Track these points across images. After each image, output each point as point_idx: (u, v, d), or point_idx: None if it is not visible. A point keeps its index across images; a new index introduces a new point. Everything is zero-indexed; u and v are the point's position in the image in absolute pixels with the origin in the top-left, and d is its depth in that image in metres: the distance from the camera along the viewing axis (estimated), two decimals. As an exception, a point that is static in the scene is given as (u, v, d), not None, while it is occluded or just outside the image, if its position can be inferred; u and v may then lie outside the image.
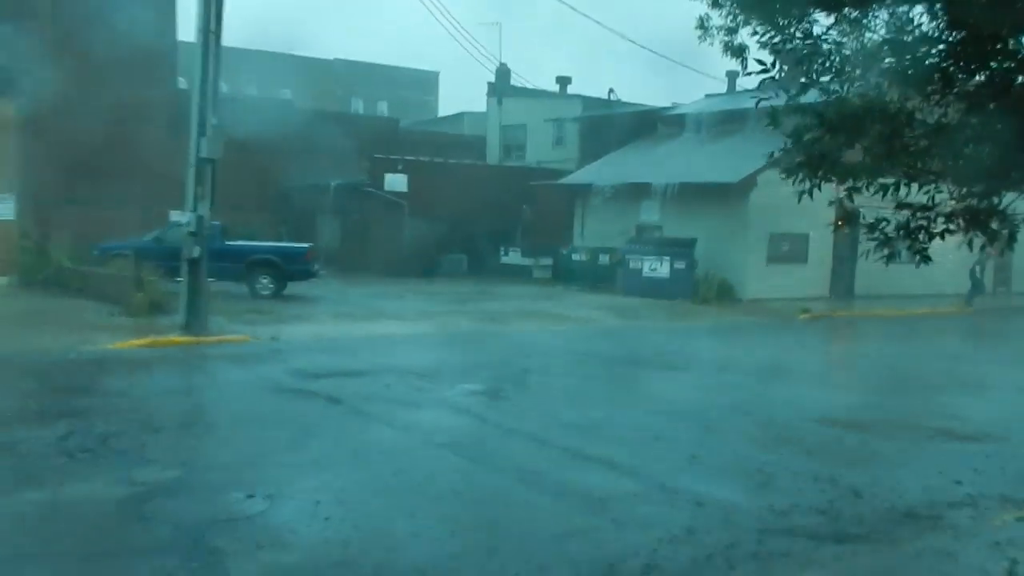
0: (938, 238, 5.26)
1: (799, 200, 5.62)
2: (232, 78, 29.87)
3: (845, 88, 5.53)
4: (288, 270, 20.04)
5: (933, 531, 6.23)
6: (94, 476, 6.86)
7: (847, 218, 6.14)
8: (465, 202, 27.73)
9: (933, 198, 5.31)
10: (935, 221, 5.20)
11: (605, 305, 21.22)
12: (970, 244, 5.22)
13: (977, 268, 24.67)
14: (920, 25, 5.15)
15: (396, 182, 27.82)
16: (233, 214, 20.74)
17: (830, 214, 6.47)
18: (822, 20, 5.58)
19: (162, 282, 16.32)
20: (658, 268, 23.38)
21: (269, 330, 14.80)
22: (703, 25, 6.23)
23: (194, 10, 14.03)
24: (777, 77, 5.56)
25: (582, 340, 16.65)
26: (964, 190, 5.24)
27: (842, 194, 5.64)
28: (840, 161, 5.42)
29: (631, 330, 18.20)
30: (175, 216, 18.03)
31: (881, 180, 5.29)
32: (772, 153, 5.89)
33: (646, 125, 30.61)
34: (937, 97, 5.21)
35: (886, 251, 5.27)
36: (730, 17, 5.96)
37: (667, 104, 32.18)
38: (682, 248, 23.36)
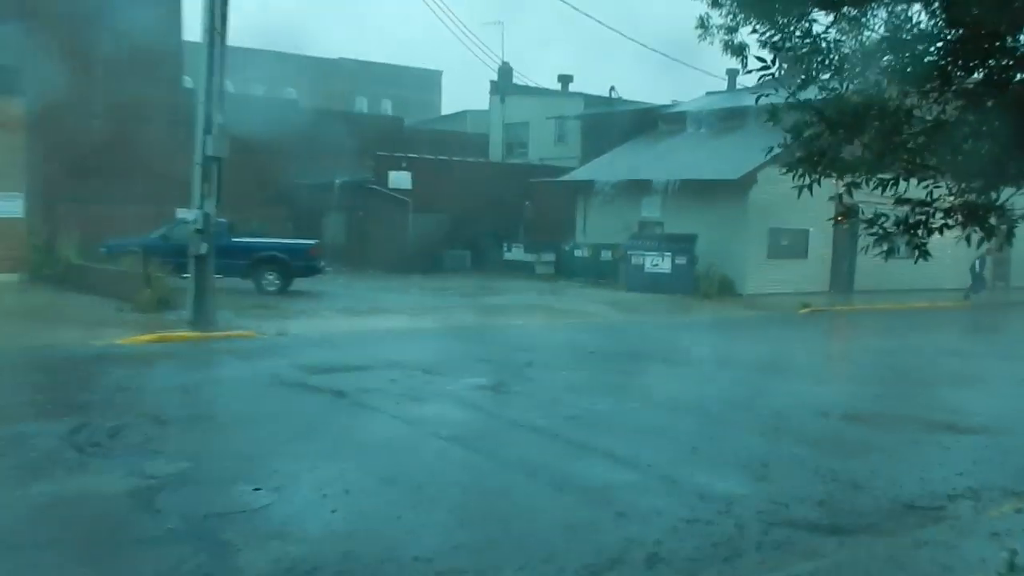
0: (936, 233, 5.26)
1: (799, 195, 5.63)
2: (237, 77, 29.87)
3: (844, 86, 5.52)
4: (294, 266, 20.06)
5: (933, 522, 6.24)
6: (104, 469, 6.88)
7: (847, 213, 6.14)
8: (468, 199, 27.76)
9: (931, 193, 5.31)
10: (934, 216, 5.20)
11: (607, 300, 21.23)
12: (968, 239, 5.21)
13: (977, 263, 24.65)
14: (919, 23, 5.15)
15: (400, 179, 27.84)
16: (239, 211, 20.75)
17: (830, 210, 6.47)
18: (821, 19, 5.57)
19: (169, 278, 16.36)
20: (660, 264, 23.37)
21: (275, 325, 14.83)
22: (703, 24, 6.23)
23: (199, 10, 14.07)
24: (777, 75, 5.56)
25: (584, 335, 16.66)
26: (962, 186, 5.24)
27: (841, 189, 5.64)
28: (840, 157, 5.42)
29: (633, 325, 18.21)
30: (182, 213, 18.04)
31: (880, 175, 5.29)
32: (771, 148, 5.89)
33: (647, 122, 30.58)
34: (935, 94, 5.21)
35: (885, 246, 5.27)
36: (730, 16, 5.97)
37: (668, 102, 32.16)
38: (683, 244, 23.35)
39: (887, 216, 5.25)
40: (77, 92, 21.53)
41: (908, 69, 5.05)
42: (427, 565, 5.23)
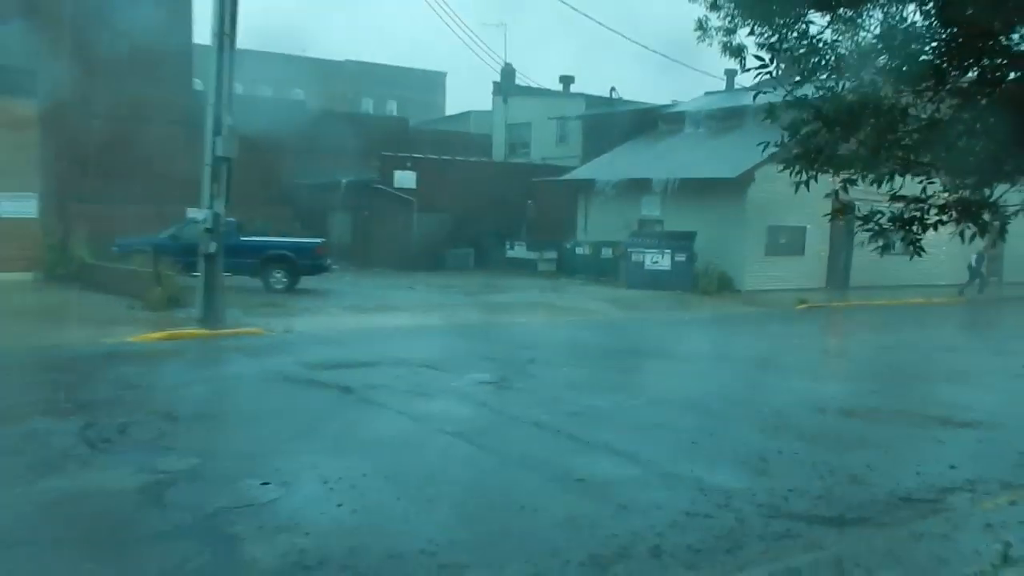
0: (931, 229, 5.24)
1: (796, 191, 5.61)
2: (246, 79, 29.90)
3: (840, 85, 5.50)
4: (301, 265, 20.07)
5: (930, 515, 6.21)
6: (114, 465, 6.88)
7: (843, 210, 6.12)
8: (472, 198, 27.75)
9: (925, 189, 5.28)
10: (928, 212, 5.18)
11: (608, 297, 21.21)
12: (962, 235, 5.19)
13: (974, 258, 24.59)
14: (913, 24, 5.12)
15: (405, 179, 27.84)
16: (248, 210, 20.76)
17: (826, 207, 6.44)
18: (818, 20, 5.55)
19: (179, 277, 16.36)
20: (659, 261, 23.35)
21: (283, 323, 14.83)
22: (702, 26, 6.22)
23: (209, 13, 14.05)
24: (775, 74, 5.54)
25: (586, 331, 16.65)
26: (956, 182, 5.22)
27: (838, 186, 5.62)
28: (836, 154, 5.41)
29: (634, 321, 18.19)
30: (192, 213, 18.06)
31: (875, 172, 5.27)
32: (767, 144, 5.88)
33: (647, 122, 30.56)
34: (930, 93, 5.18)
35: (881, 242, 5.25)
36: (728, 18, 5.95)
37: (667, 102, 32.10)
38: (682, 241, 23.33)
39: (882, 213, 5.23)
40: (88, 93, 21.54)
41: (903, 68, 5.03)
42: (433, 558, 5.22)
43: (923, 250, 5.25)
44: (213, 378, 11.43)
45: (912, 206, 5.19)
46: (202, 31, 27.59)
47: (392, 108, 50.50)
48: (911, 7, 5.19)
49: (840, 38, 5.51)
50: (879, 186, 5.28)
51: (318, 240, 21.45)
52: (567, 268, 26.70)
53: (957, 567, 5.07)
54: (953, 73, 5.06)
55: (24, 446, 7.42)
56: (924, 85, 5.16)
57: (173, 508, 6.00)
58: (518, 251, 28.70)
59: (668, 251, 23.31)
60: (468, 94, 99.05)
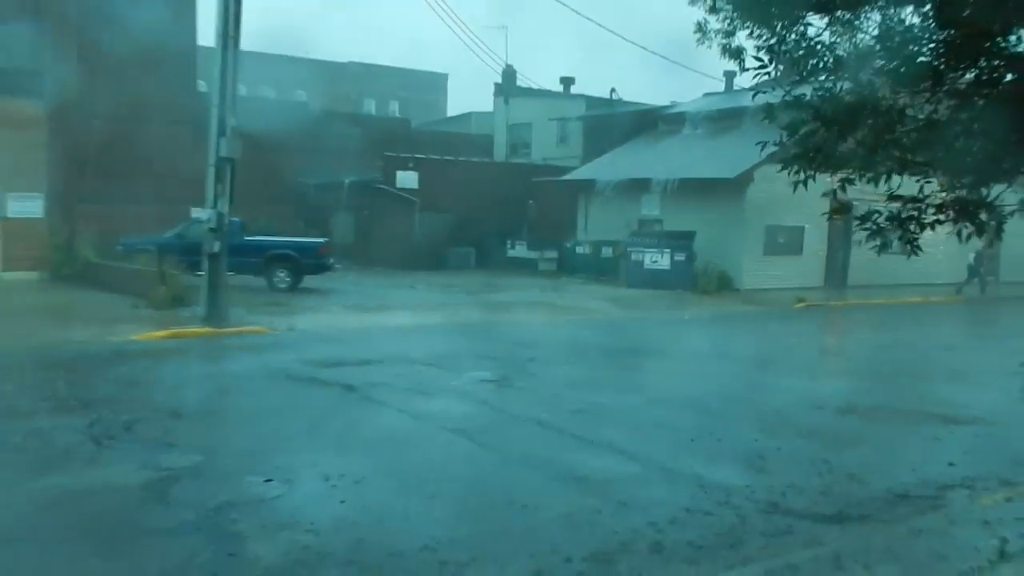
0: (928, 229, 5.23)
1: (794, 190, 5.60)
2: (250, 81, 29.87)
3: (839, 86, 5.49)
4: (304, 264, 20.06)
5: (928, 511, 6.21)
6: (119, 462, 6.88)
7: (840, 209, 6.11)
8: (473, 198, 27.74)
9: (922, 189, 5.28)
10: (925, 212, 5.17)
11: (608, 296, 21.20)
12: (959, 235, 5.18)
13: (972, 257, 24.57)
14: (911, 25, 5.11)
15: (407, 179, 27.83)
16: (251, 210, 20.74)
17: (824, 206, 6.44)
18: (816, 22, 5.54)
19: (184, 276, 16.36)
20: (659, 260, 23.34)
21: (286, 321, 14.83)
22: (701, 29, 6.21)
23: (213, 15, 14.04)
24: (773, 74, 5.53)
25: (586, 330, 16.64)
26: (953, 182, 5.21)
27: (836, 186, 5.61)
28: (834, 153, 5.40)
29: (633, 320, 18.18)
30: (196, 213, 18.04)
31: (872, 171, 5.26)
32: (765, 144, 5.86)
33: (647, 123, 30.54)
34: (928, 94, 5.17)
35: (878, 241, 5.24)
36: (727, 21, 5.93)
37: (667, 103, 32.08)
38: (682, 241, 23.32)
39: (880, 212, 5.23)
40: (94, 94, 21.53)
41: (901, 70, 5.02)
42: (434, 555, 5.21)
43: (920, 249, 5.24)
44: (217, 376, 11.43)
45: (909, 205, 5.18)
46: (206, 33, 27.63)
47: (394, 109, 50.43)
48: (909, 9, 5.17)
49: (838, 40, 5.49)
50: (876, 185, 5.27)
51: (321, 240, 21.45)
52: (567, 267, 26.69)
53: (954, 563, 5.06)
54: (950, 74, 5.05)
55: (30, 443, 7.42)
56: (922, 86, 5.15)
57: (177, 505, 6.00)
58: (519, 251, 28.69)
59: (668, 250, 23.31)
60: (470, 95, 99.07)
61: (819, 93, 5.45)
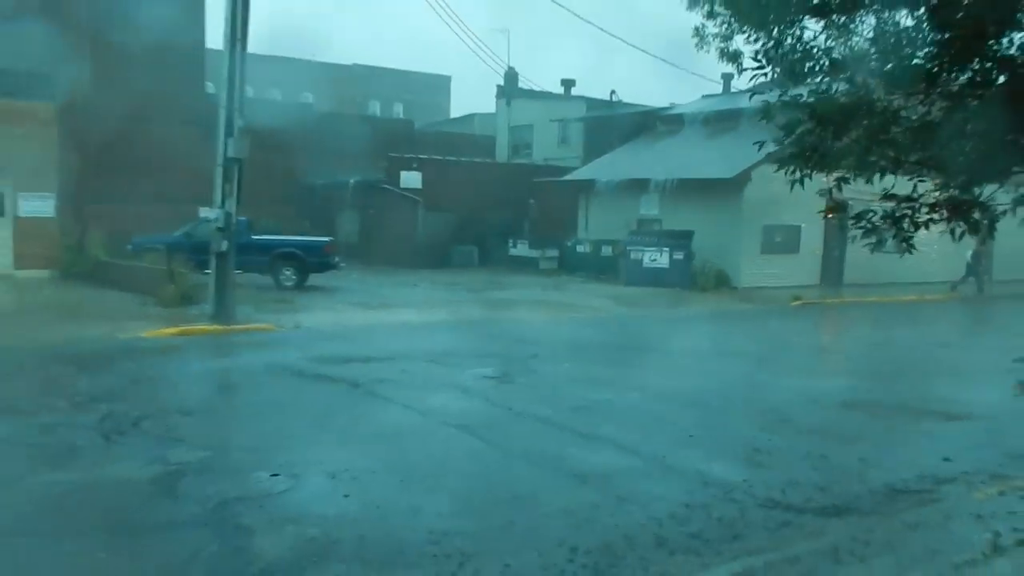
0: (922, 227, 5.22)
1: (791, 189, 5.60)
2: (257, 83, 29.88)
3: (834, 87, 5.48)
4: (310, 262, 20.08)
5: (923, 506, 6.20)
6: (128, 457, 6.89)
7: (836, 208, 6.10)
8: (476, 198, 27.74)
9: (916, 187, 5.27)
10: (919, 211, 5.17)
11: (608, 294, 21.19)
12: (952, 233, 5.17)
13: (970, 255, 24.54)
14: (905, 29, 5.10)
15: (411, 179, 27.84)
16: (258, 209, 20.76)
17: (820, 206, 6.42)
18: (812, 25, 5.53)
19: (192, 274, 16.36)
20: (658, 259, 23.34)
21: (292, 319, 14.84)
22: (699, 34, 6.21)
23: (222, 18, 14.06)
24: (770, 76, 5.53)
25: (587, 327, 16.64)
26: (947, 181, 5.20)
27: (831, 184, 5.60)
28: (830, 153, 5.39)
29: (633, 318, 18.17)
30: (204, 212, 18.06)
31: (867, 171, 5.27)
32: (762, 143, 5.86)
33: (646, 124, 30.54)
34: (921, 96, 5.16)
35: (873, 239, 5.23)
36: (725, 26, 5.93)
37: (666, 104, 32.06)
38: (680, 240, 23.32)
39: (874, 211, 5.22)
40: (105, 95, 21.53)
41: (895, 71, 5.01)
42: (439, 547, 5.20)
43: (914, 247, 5.23)
44: (224, 372, 11.44)
45: (903, 205, 5.17)
46: (214, 35, 27.61)
47: (399, 111, 50.47)
48: (903, 12, 5.16)
49: (834, 43, 5.49)
50: (871, 183, 5.27)
51: (326, 239, 21.47)
52: (568, 266, 26.69)
53: (949, 556, 5.06)
54: (944, 76, 5.04)
55: (40, 438, 7.43)
56: (916, 88, 5.14)
57: (184, 499, 6.00)
58: (521, 249, 28.68)
59: (667, 249, 23.31)
60: (473, 97, 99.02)
61: (815, 94, 5.45)
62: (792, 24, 5.42)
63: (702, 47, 6.24)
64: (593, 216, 28.00)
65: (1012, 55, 4.80)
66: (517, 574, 4.87)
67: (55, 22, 20.81)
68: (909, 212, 5.17)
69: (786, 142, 5.61)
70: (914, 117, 5.32)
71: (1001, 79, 4.89)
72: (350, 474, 6.51)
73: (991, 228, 5.12)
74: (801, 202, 7.37)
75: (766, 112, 5.51)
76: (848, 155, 5.37)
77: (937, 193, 5.26)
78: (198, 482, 6.33)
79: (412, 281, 22.87)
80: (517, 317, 17.16)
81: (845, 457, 7.47)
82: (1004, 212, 5.10)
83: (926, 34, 4.99)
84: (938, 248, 11.79)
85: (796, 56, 5.40)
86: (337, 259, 20.88)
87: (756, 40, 5.51)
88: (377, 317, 16.04)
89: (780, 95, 5.54)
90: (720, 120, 26.96)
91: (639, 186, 25.21)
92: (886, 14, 5.21)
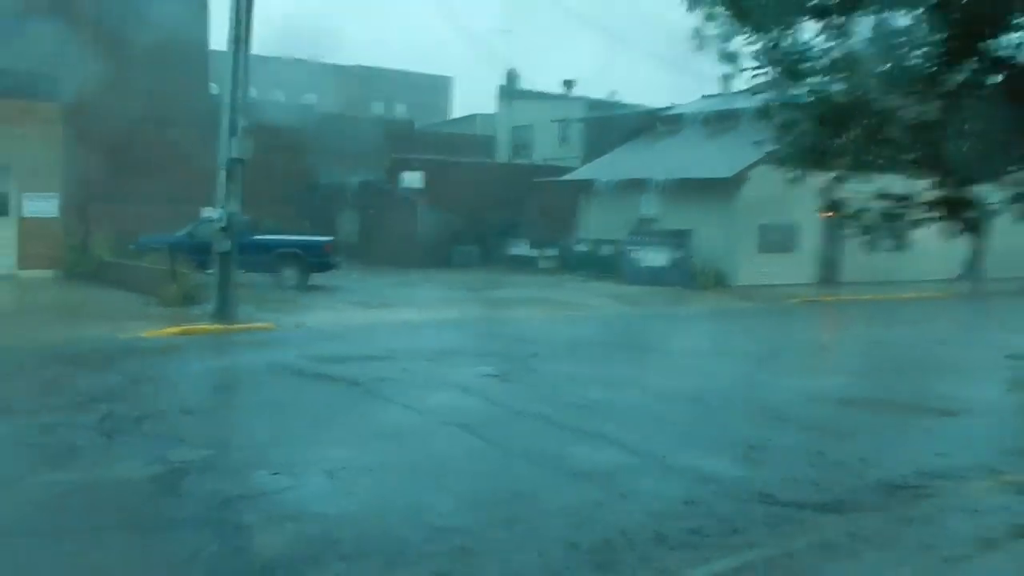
0: (917, 226, 5.23)
1: (789, 185, 5.60)
2: (260, 84, 29.88)
3: (832, 88, 5.48)
4: (311, 262, 20.06)
5: (918, 500, 6.20)
6: (130, 456, 6.88)
7: (833, 206, 6.11)
8: (476, 197, 27.72)
9: (911, 187, 5.28)
10: (914, 209, 5.17)
11: (608, 293, 21.18)
12: (947, 231, 5.18)
13: (968, 253, 24.53)
14: (902, 29, 5.09)
15: (412, 179, 27.82)
16: (260, 209, 20.74)
17: (818, 205, 6.43)
18: (810, 27, 5.53)
19: (194, 274, 16.35)
20: (657, 258, 23.35)
21: (293, 318, 14.83)
22: (699, 35, 6.21)
23: (226, 19, 14.06)
24: (769, 76, 5.54)
25: (586, 326, 16.63)
26: (942, 180, 5.20)
27: (828, 183, 5.61)
28: (827, 152, 5.40)
29: (632, 316, 18.16)
30: (207, 212, 18.05)
31: (863, 170, 5.27)
32: (761, 141, 5.87)
33: (646, 124, 30.54)
34: (918, 96, 5.16)
35: (868, 237, 5.24)
36: (724, 28, 5.93)
37: (666, 105, 32.05)
38: (679, 239, 23.34)
39: (870, 210, 5.22)
40: (110, 95, 21.53)
41: (892, 72, 5.01)
42: (440, 545, 5.19)
43: (908, 245, 5.24)
44: (226, 371, 11.44)
45: (898, 203, 5.17)
46: (218, 37, 27.60)
47: (401, 111, 50.51)
48: (900, 14, 5.16)
49: (832, 44, 5.48)
50: (866, 181, 5.28)
51: (327, 238, 21.45)
52: (568, 265, 26.68)
53: (941, 550, 5.06)
54: (940, 76, 5.04)
55: (42, 438, 7.42)
56: (912, 88, 5.13)
57: (186, 498, 6.00)
58: (521, 249, 28.66)
59: (665, 248, 23.33)
60: (474, 98, 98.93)
61: (813, 94, 5.45)
62: (790, 25, 5.42)
63: (701, 48, 6.24)
64: (593, 216, 28.00)
65: (1006, 56, 4.80)
66: (518, 571, 4.87)
67: (60, 22, 20.81)
68: (904, 211, 5.17)
69: (784, 141, 5.61)
70: (910, 117, 5.32)
71: (996, 79, 4.89)
72: (350, 473, 6.50)
73: (984, 226, 5.12)
74: (798, 201, 7.38)
75: (765, 112, 5.52)
76: (845, 154, 5.38)
77: (932, 192, 5.26)
78: (199, 481, 6.32)
79: (412, 281, 22.86)
80: (517, 316, 17.15)
81: (842, 454, 7.46)
82: (997, 211, 5.10)
83: (923, 35, 4.99)
84: (935, 246, 11.80)
85: (794, 57, 5.40)
86: (338, 259, 20.87)
87: (755, 41, 5.51)
88: (378, 316, 16.03)
89: (778, 95, 5.55)
90: (719, 120, 26.94)
91: (638, 186, 25.20)
92: (884, 15, 5.21)
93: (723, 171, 22.98)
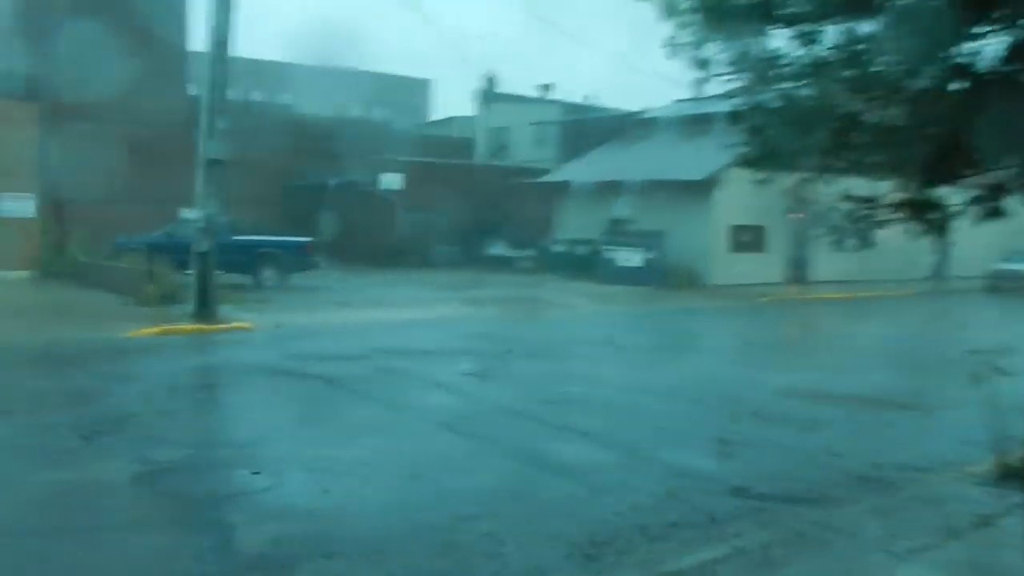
0: (882, 227, 5.34)
1: (759, 187, 5.69)
2: (238, 84, 29.62)
3: (799, 93, 5.57)
4: (291, 262, 19.99)
5: (885, 491, 6.31)
6: (109, 456, 6.81)
7: (800, 207, 6.21)
8: (455, 199, 27.69)
9: (875, 189, 5.39)
10: (878, 211, 5.28)
11: (584, 292, 21.28)
12: (910, 232, 5.29)
13: (936, 254, 24.99)
14: (866, 38, 5.20)
15: (391, 180, 27.77)
16: (239, 210, 20.59)
17: (786, 206, 6.54)
18: (781, 34, 5.62)
19: (173, 274, 16.21)
20: (632, 258, 23.51)
21: (273, 318, 14.75)
22: (671, 43, 6.28)
23: (205, 22, 13.98)
24: (739, 83, 5.62)
25: (563, 324, 16.71)
26: (905, 182, 5.32)
27: (795, 185, 5.70)
28: (793, 154, 5.49)
29: (607, 315, 18.27)
30: (185, 213, 17.91)
31: (829, 172, 5.38)
32: (732, 145, 5.96)
33: (620, 128, 30.75)
34: (881, 101, 5.26)
35: (835, 238, 5.34)
36: (696, 35, 6.00)
37: (639, 108, 32.27)
38: (653, 240, 23.54)
39: (836, 211, 5.33)
40: (86, 95, 21.27)
41: (858, 78, 5.11)
42: (421, 543, 5.20)
43: (873, 245, 5.35)
44: (205, 371, 11.36)
45: (863, 205, 5.28)
46: (197, 38, 27.34)
47: (380, 113, 50.35)
48: (864, 23, 5.26)
49: (800, 51, 5.58)
50: (832, 185, 5.38)
51: (307, 239, 21.36)
52: (546, 265, 26.78)
53: (906, 541, 5.16)
54: (903, 83, 5.14)
55: (19, 439, 7.35)
56: (877, 94, 5.24)
57: (167, 498, 5.97)
58: (499, 249, 28.74)
59: (640, 249, 23.50)
60: (452, 101, 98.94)
61: (782, 99, 5.54)
62: (761, 33, 5.51)
63: (674, 55, 6.31)
64: (570, 217, 28.12)
65: (966, 64, 4.91)
66: (502, 565, 4.90)
67: (37, 22, 20.55)
68: (868, 212, 5.28)
69: (754, 144, 5.70)
70: (875, 121, 5.43)
71: (956, 86, 5.00)
72: (331, 471, 6.50)
73: (946, 227, 5.24)
74: (767, 203, 7.49)
75: (736, 116, 5.60)
76: (812, 157, 5.47)
77: (896, 194, 5.37)
78: (179, 480, 6.29)
79: (392, 281, 22.82)
80: (495, 315, 17.18)
81: (812, 447, 7.58)
82: (958, 213, 5.22)
83: (887, 43, 5.09)
84: (899, 246, 12.01)
85: (764, 63, 5.49)
86: (317, 259, 20.79)
87: (727, 48, 5.59)
88: (357, 315, 16.00)
89: (749, 100, 5.63)
90: (691, 124, 27.19)
91: (613, 187, 25.36)
92: (849, 24, 5.31)
93: (696, 173, 23.20)
